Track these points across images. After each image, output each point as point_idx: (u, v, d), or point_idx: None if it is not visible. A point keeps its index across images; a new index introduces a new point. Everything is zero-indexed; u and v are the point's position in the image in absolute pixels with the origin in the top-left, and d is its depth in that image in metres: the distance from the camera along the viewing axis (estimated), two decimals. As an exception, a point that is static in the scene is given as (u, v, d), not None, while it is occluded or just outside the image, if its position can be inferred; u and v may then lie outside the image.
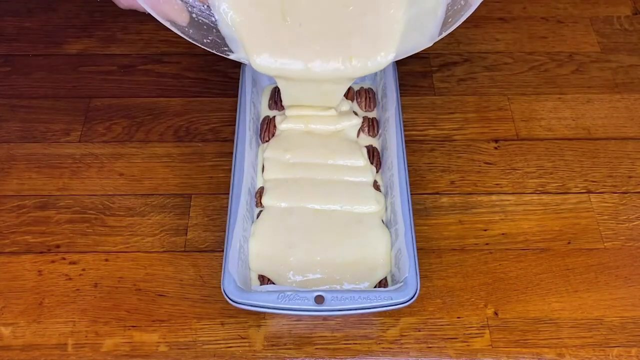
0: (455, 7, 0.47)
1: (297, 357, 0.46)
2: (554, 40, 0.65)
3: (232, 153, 0.51)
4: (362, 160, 0.52)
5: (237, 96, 0.55)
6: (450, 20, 0.47)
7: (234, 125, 0.53)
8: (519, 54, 0.64)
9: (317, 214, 0.50)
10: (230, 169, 0.50)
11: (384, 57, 0.50)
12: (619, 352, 0.46)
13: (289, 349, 0.46)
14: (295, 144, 0.53)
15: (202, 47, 0.49)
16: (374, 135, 0.55)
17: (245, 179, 0.49)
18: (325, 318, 0.47)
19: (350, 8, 0.49)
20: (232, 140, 0.52)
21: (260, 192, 0.51)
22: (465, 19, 0.45)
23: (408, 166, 0.51)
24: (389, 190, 0.51)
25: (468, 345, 0.46)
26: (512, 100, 0.60)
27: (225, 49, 0.50)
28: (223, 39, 0.50)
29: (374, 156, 0.53)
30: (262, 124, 0.55)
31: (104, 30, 0.65)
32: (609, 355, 0.46)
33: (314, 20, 0.50)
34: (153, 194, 0.54)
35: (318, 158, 0.53)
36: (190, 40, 0.47)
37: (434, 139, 0.58)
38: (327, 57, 0.50)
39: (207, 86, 0.61)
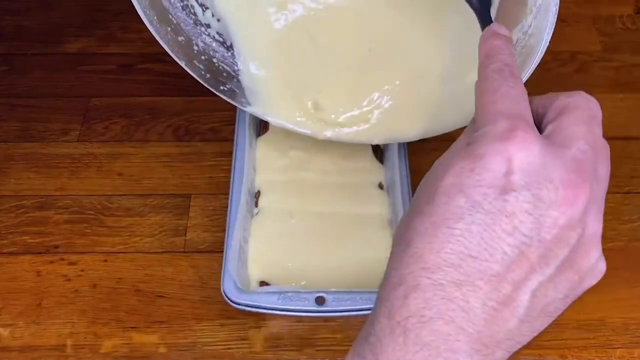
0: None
1: (297, 359, 0.45)
2: (556, 39, 0.64)
3: (232, 153, 0.51)
4: (369, 160, 0.52)
5: (237, 95, 0.55)
6: None
7: (234, 125, 0.53)
8: (520, 53, 0.64)
9: (318, 216, 0.49)
10: (230, 169, 0.50)
11: (406, 133, 0.47)
12: (622, 353, 0.46)
13: (290, 350, 0.46)
14: (292, 141, 0.53)
15: (217, 94, 0.47)
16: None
17: (245, 179, 0.49)
18: (326, 319, 0.47)
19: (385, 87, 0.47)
20: (232, 140, 0.52)
21: (258, 194, 0.51)
22: (524, 80, 0.41)
23: (409, 166, 0.50)
24: (390, 190, 0.50)
25: (470, 347, 0.46)
26: (514, 99, 0.60)
27: (243, 100, 0.48)
28: (242, 89, 0.48)
29: (377, 155, 0.53)
30: (260, 121, 0.55)
31: (103, 29, 0.65)
32: (611, 356, 0.46)
33: (345, 75, 0.47)
34: (152, 194, 0.53)
35: (320, 157, 0.52)
36: (206, 86, 0.46)
37: (435, 139, 0.57)
38: (349, 126, 0.48)
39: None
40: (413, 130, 0.47)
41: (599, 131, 0.28)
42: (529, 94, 0.63)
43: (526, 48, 0.39)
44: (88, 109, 0.59)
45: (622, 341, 0.46)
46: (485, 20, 0.35)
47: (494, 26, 0.33)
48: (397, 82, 0.47)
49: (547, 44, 0.36)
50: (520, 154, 0.26)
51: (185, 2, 0.45)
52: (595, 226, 0.27)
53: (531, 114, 0.28)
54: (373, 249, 0.48)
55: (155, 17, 0.42)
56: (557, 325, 0.47)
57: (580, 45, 0.64)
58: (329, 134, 0.48)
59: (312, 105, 0.48)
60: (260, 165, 0.52)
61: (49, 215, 0.52)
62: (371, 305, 0.42)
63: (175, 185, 0.54)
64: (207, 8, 0.46)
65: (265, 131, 0.54)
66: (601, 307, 0.47)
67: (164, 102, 0.60)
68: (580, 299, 0.48)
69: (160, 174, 0.55)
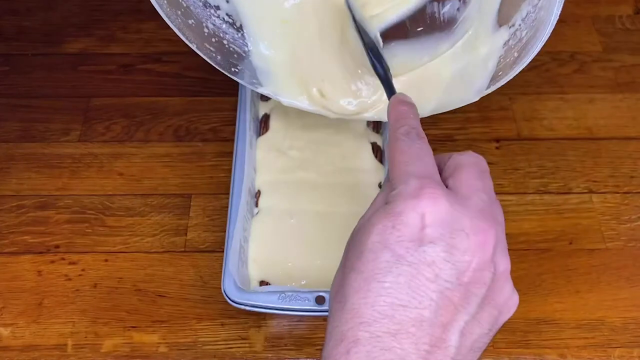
0: (508, 60, 0.43)
1: (297, 358, 0.45)
2: (556, 39, 0.65)
3: (232, 153, 0.51)
4: (369, 160, 0.52)
5: (237, 96, 0.55)
6: (500, 73, 0.43)
7: (234, 125, 0.53)
8: (520, 53, 0.64)
9: (318, 216, 0.49)
10: (230, 169, 0.50)
11: (420, 108, 0.47)
12: (621, 352, 0.46)
13: (290, 349, 0.46)
14: (292, 142, 0.53)
15: (229, 75, 0.47)
16: (377, 131, 0.55)
17: (245, 179, 0.49)
18: (326, 319, 0.46)
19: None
20: (232, 140, 0.52)
21: (258, 194, 0.51)
22: (517, 72, 0.42)
23: (409, 166, 0.50)
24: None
25: (469, 346, 0.46)
26: (514, 99, 0.60)
27: (254, 81, 0.48)
28: (253, 70, 0.48)
29: (377, 155, 0.53)
30: (260, 121, 0.55)
31: (103, 29, 0.65)
32: (610, 356, 0.46)
33: (351, 61, 0.47)
34: (153, 194, 0.53)
35: (320, 158, 0.52)
36: (217, 67, 0.46)
37: (435, 139, 0.57)
38: (360, 97, 0.47)
39: (207, 86, 0.61)
40: (425, 107, 0.46)
41: (490, 183, 0.32)
42: (529, 94, 0.63)
43: (536, 21, 0.40)
44: (89, 109, 0.59)
45: (621, 341, 0.46)
46: (391, 89, 0.39)
47: (399, 95, 0.36)
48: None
49: (558, 16, 0.37)
50: (431, 209, 0.29)
51: None
52: (504, 263, 0.30)
53: (437, 170, 0.31)
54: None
55: (165, 2, 0.43)
56: (556, 324, 0.47)
57: (580, 46, 0.64)
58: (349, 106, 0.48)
59: (317, 92, 0.48)
60: (260, 165, 0.52)
61: (50, 215, 0.52)
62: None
63: (175, 185, 0.54)
64: None
65: (266, 131, 0.54)
66: (600, 307, 0.48)
67: (165, 102, 0.60)
68: (580, 298, 0.49)
69: (161, 173, 0.55)
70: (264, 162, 0.52)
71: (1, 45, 0.64)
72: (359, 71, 0.46)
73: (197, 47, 0.45)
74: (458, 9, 0.44)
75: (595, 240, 0.51)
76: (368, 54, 0.41)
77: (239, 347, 0.46)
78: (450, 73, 0.45)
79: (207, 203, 0.53)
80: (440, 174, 0.32)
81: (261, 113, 0.56)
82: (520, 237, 0.51)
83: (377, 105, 0.47)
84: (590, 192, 0.54)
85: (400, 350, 0.28)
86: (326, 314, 0.43)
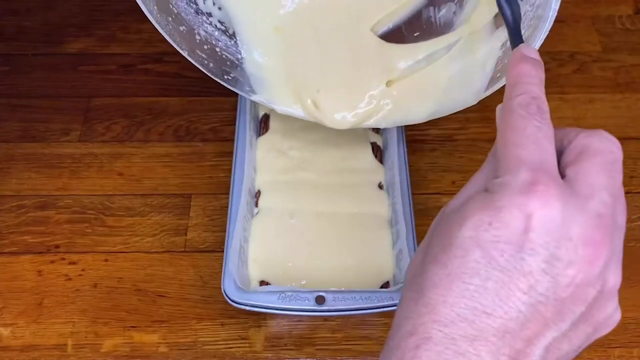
0: (506, 61, 0.42)
1: (297, 358, 0.45)
2: (555, 39, 0.65)
3: (232, 153, 0.51)
4: (369, 160, 0.52)
5: (237, 96, 0.55)
6: (499, 75, 0.42)
7: (234, 125, 0.53)
8: (520, 53, 0.64)
9: (317, 216, 0.49)
10: (231, 169, 0.50)
11: (416, 115, 0.46)
12: (621, 352, 0.46)
13: (290, 349, 0.46)
14: (292, 142, 0.53)
15: (222, 83, 0.47)
16: (378, 131, 0.55)
17: (245, 179, 0.49)
18: (326, 319, 0.47)
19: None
20: (232, 140, 0.52)
21: (258, 194, 0.51)
22: None
23: (409, 166, 0.50)
24: (390, 190, 0.50)
25: (469, 346, 0.46)
26: (514, 99, 0.60)
27: (248, 88, 0.48)
28: (246, 77, 0.48)
29: (377, 155, 0.53)
30: (260, 121, 0.55)
31: (103, 29, 0.65)
32: (610, 356, 0.46)
33: (347, 71, 0.47)
34: (153, 194, 0.53)
35: (320, 158, 0.52)
36: (209, 75, 0.46)
37: (435, 139, 0.57)
38: (357, 103, 0.47)
39: (207, 86, 0.61)
40: (423, 111, 0.46)
41: (620, 178, 0.28)
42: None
43: (534, 20, 0.39)
44: (89, 109, 0.59)
45: (621, 340, 0.46)
46: (516, 39, 0.33)
47: (523, 48, 0.31)
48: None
49: (556, 12, 0.36)
50: (540, 211, 0.25)
51: None
52: (614, 279, 0.27)
53: (555, 159, 0.27)
54: (373, 249, 0.48)
55: (155, 7, 0.42)
56: (556, 324, 0.47)
57: (580, 46, 0.64)
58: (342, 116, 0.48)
59: (311, 103, 0.47)
60: (260, 165, 0.52)
61: (50, 215, 0.52)
62: (371, 305, 0.42)
63: (175, 185, 0.54)
64: None
65: (266, 131, 0.54)
66: (600, 307, 0.48)
67: (165, 102, 0.60)
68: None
69: (161, 173, 0.55)
70: (264, 162, 0.52)
71: (1, 45, 0.64)
72: (365, 80, 0.46)
73: (188, 54, 0.45)
74: (454, 13, 0.44)
75: (595, 240, 0.51)
76: None
77: (239, 347, 0.46)
78: (448, 77, 0.45)
79: (207, 203, 0.53)
80: (560, 156, 0.28)
81: (261, 113, 0.56)
82: (520, 237, 0.51)
83: (373, 114, 0.47)
84: (590, 192, 0.54)
85: (476, 357, 0.25)
86: (326, 314, 0.43)
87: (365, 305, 0.42)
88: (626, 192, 0.54)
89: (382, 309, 0.42)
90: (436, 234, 0.28)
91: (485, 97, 0.60)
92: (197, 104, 0.60)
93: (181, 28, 0.45)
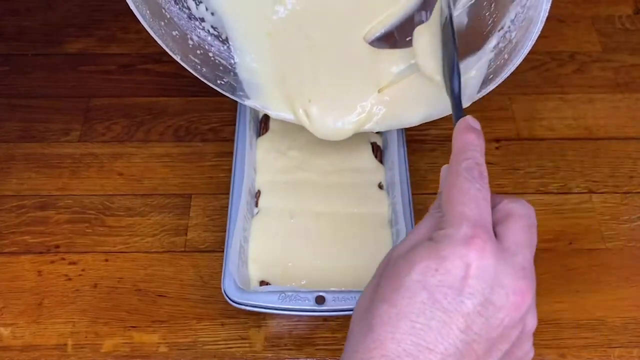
0: (498, 63, 0.42)
1: (297, 358, 0.45)
2: (555, 39, 0.65)
3: (232, 153, 0.51)
4: (369, 160, 0.52)
5: (237, 96, 0.55)
6: (491, 77, 0.42)
7: (234, 125, 0.53)
8: (520, 53, 0.64)
9: (318, 216, 0.49)
10: (231, 169, 0.50)
11: (408, 119, 0.46)
12: (621, 352, 0.46)
13: (290, 349, 0.46)
14: (292, 142, 0.53)
15: (215, 88, 0.47)
16: (377, 132, 0.55)
17: (245, 179, 0.49)
18: (325, 319, 0.47)
19: (380, 65, 0.46)
20: (232, 140, 0.52)
21: (258, 194, 0.51)
22: (508, 74, 0.41)
23: (409, 166, 0.50)
24: (390, 190, 0.50)
25: (469, 346, 0.46)
26: (513, 99, 0.60)
27: (241, 93, 0.48)
28: (240, 82, 0.48)
29: (377, 155, 0.53)
30: (260, 121, 0.55)
31: (103, 29, 0.65)
32: (610, 356, 0.46)
33: (339, 78, 0.47)
34: (153, 194, 0.53)
35: (319, 158, 0.52)
36: (202, 80, 0.46)
37: (435, 139, 0.57)
38: (348, 113, 0.47)
39: (207, 85, 0.60)
40: (415, 116, 0.46)
41: (536, 239, 0.32)
42: (529, 94, 0.63)
43: (525, 21, 0.40)
44: (89, 109, 0.59)
45: (621, 341, 0.46)
46: (459, 110, 0.37)
47: (469, 119, 0.35)
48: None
49: (547, 12, 0.37)
50: (477, 262, 0.29)
51: None
52: (532, 323, 0.31)
53: (491, 216, 0.31)
54: (373, 249, 0.48)
55: (147, 12, 0.42)
56: (556, 324, 0.47)
57: (580, 46, 0.64)
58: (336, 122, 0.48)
59: (303, 113, 0.47)
60: (260, 166, 0.52)
61: (50, 215, 0.52)
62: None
63: (175, 185, 0.54)
64: (200, 2, 0.46)
65: (266, 131, 0.54)
66: (600, 307, 0.48)
67: (165, 102, 0.60)
68: (580, 298, 0.49)
69: (161, 174, 0.55)
70: (264, 162, 0.52)
71: (1, 45, 0.64)
72: (357, 87, 0.46)
73: (181, 59, 0.45)
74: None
75: (595, 240, 0.51)
76: (452, 67, 0.39)
77: (239, 347, 0.46)
78: (439, 81, 0.45)
79: (207, 203, 0.53)
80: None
81: (261, 113, 0.56)
82: (520, 237, 0.51)
83: (365, 122, 0.47)
84: (590, 192, 0.54)
85: None
86: (325, 314, 0.43)
87: (365, 305, 0.42)
88: (626, 192, 0.55)
89: (382, 309, 0.42)
90: (386, 275, 0.31)
91: (485, 98, 0.60)
92: (197, 104, 0.60)
93: (174, 33, 0.44)
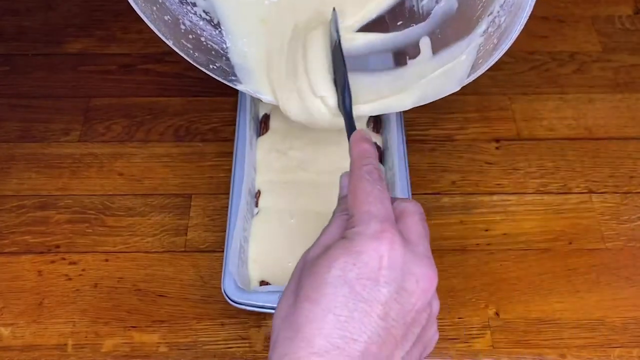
0: (487, 47, 0.43)
1: (297, 358, 0.45)
2: (555, 39, 0.65)
3: (232, 153, 0.51)
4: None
5: (237, 96, 0.55)
6: (480, 61, 0.43)
7: (234, 125, 0.53)
8: (519, 53, 0.64)
9: (318, 216, 0.49)
10: (231, 169, 0.50)
11: (401, 103, 0.46)
12: (621, 352, 0.46)
13: (290, 349, 0.46)
14: (292, 142, 0.53)
15: (208, 72, 0.47)
16: (378, 131, 0.55)
17: (245, 179, 0.49)
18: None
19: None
20: (232, 140, 0.52)
21: (258, 194, 0.51)
22: (497, 59, 0.42)
23: (409, 166, 0.50)
24: (390, 190, 0.50)
25: (469, 346, 0.46)
26: (513, 99, 0.60)
27: (233, 78, 0.48)
28: (232, 67, 0.48)
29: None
30: (260, 121, 0.55)
31: (103, 29, 0.65)
32: (610, 355, 0.46)
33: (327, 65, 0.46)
34: (153, 194, 0.54)
35: (320, 157, 0.52)
36: (195, 64, 0.46)
37: (435, 139, 0.57)
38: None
39: (207, 86, 0.61)
40: (407, 100, 0.46)
41: (429, 230, 0.35)
42: (529, 94, 0.63)
43: (514, 6, 0.41)
44: (89, 109, 0.59)
45: (621, 340, 0.46)
46: (352, 124, 0.40)
47: (361, 131, 0.38)
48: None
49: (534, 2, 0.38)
50: (389, 253, 0.31)
51: None
52: (436, 306, 0.34)
53: (393, 213, 0.34)
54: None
55: None
56: (556, 324, 0.47)
57: (579, 46, 0.64)
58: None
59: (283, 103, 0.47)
60: (260, 165, 0.52)
61: (50, 215, 0.52)
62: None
63: (176, 185, 0.54)
64: None
65: (266, 131, 0.54)
66: (600, 307, 0.48)
67: (165, 102, 0.60)
68: (580, 298, 0.49)
69: (161, 174, 0.55)
70: (264, 162, 0.52)
71: (1, 45, 0.64)
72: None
73: (173, 44, 0.45)
74: (437, 1, 0.44)
75: (595, 240, 0.51)
76: (343, 85, 0.42)
77: (239, 347, 0.46)
78: (432, 68, 0.45)
79: (207, 203, 0.53)
80: None
81: (261, 113, 0.56)
82: (520, 237, 0.51)
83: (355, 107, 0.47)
84: (590, 192, 0.54)
85: None
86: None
87: (365, 305, 0.42)
88: (626, 192, 0.55)
89: (382, 309, 0.42)
90: (304, 276, 0.32)
91: (485, 98, 0.61)
92: (197, 104, 0.60)
93: (166, 17, 0.44)
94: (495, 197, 0.53)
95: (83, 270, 0.49)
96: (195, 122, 0.58)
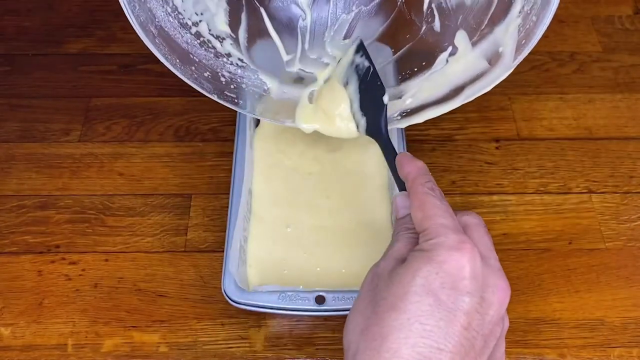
0: (527, 26, 0.42)
1: (297, 358, 0.45)
2: (555, 39, 0.65)
3: (232, 153, 0.51)
4: (371, 161, 0.52)
5: (237, 96, 0.55)
6: (523, 42, 0.42)
7: (234, 125, 0.53)
8: (520, 53, 0.64)
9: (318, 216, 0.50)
10: (231, 169, 0.50)
11: (453, 99, 0.46)
12: (621, 352, 0.46)
13: (290, 349, 0.46)
14: (291, 142, 0.53)
15: (257, 116, 0.48)
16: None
17: (245, 179, 0.49)
18: (326, 318, 0.47)
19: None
20: (232, 140, 0.52)
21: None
22: (540, 36, 0.41)
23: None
24: (390, 190, 0.50)
25: (469, 346, 0.46)
26: (513, 99, 0.60)
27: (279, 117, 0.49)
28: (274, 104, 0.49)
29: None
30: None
31: (104, 29, 0.65)
32: (610, 355, 0.46)
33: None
34: (153, 194, 0.54)
35: (320, 158, 0.52)
36: (243, 112, 0.48)
37: (435, 139, 0.57)
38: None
39: (207, 86, 0.61)
40: (458, 99, 0.46)
41: (492, 242, 0.36)
42: (529, 94, 0.63)
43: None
44: (89, 109, 0.59)
45: (620, 340, 0.46)
46: (391, 146, 0.42)
47: (406, 153, 0.39)
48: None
49: None
50: (470, 263, 0.31)
51: (202, 39, 0.46)
52: (507, 322, 0.34)
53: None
54: (373, 249, 0.48)
55: (177, 61, 0.44)
56: (556, 324, 0.47)
57: (579, 46, 0.64)
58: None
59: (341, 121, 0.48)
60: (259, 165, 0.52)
61: (50, 215, 0.52)
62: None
63: (176, 185, 0.54)
64: (224, 39, 0.48)
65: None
66: (600, 307, 0.48)
67: (165, 102, 0.60)
68: (580, 298, 0.49)
69: (161, 173, 0.55)
70: (255, 164, 0.52)
71: (1, 45, 0.64)
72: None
73: (218, 97, 0.46)
74: None
75: (594, 240, 0.51)
76: (377, 107, 0.43)
77: (238, 346, 0.46)
78: (475, 58, 0.45)
79: (207, 203, 0.53)
80: None
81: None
82: (520, 237, 0.51)
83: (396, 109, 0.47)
84: (590, 192, 0.54)
85: None
86: (325, 313, 0.43)
87: (365, 305, 0.42)
88: (625, 192, 0.55)
89: (382, 309, 0.42)
90: (383, 287, 0.33)
91: (485, 98, 0.60)
92: (197, 104, 0.60)
93: (206, 74, 0.46)
94: (495, 197, 0.53)
95: (83, 270, 0.49)
96: (195, 122, 0.58)
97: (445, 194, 0.53)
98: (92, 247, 0.50)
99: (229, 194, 0.49)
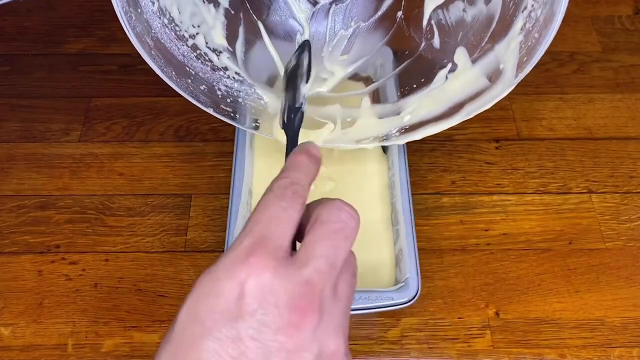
0: (529, 44, 0.42)
1: (297, 358, 0.45)
2: (555, 39, 0.64)
3: (232, 153, 0.51)
4: (371, 160, 0.52)
5: (237, 96, 0.55)
6: (525, 59, 0.42)
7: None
8: (520, 53, 0.64)
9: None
10: (231, 169, 0.50)
11: (453, 117, 0.46)
12: (621, 352, 0.46)
13: (290, 349, 0.46)
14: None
15: (257, 133, 0.48)
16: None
17: (245, 179, 0.49)
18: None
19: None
20: (232, 140, 0.52)
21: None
22: (542, 53, 0.41)
23: (409, 166, 0.50)
24: (390, 190, 0.50)
25: (469, 346, 0.46)
26: (513, 99, 0.60)
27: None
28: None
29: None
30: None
31: (104, 29, 0.65)
32: (610, 355, 0.46)
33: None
34: (153, 194, 0.54)
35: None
36: (240, 127, 0.48)
37: (434, 139, 0.57)
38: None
39: (207, 86, 0.61)
40: (458, 115, 0.46)
41: (345, 245, 0.28)
42: (528, 94, 0.63)
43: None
44: (89, 109, 0.59)
45: (620, 340, 0.46)
46: (294, 143, 0.37)
47: (308, 144, 0.32)
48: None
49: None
50: (250, 280, 0.26)
51: (199, 52, 0.46)
52: (333, 344, 0.27)
53: (286, 237, 0.27)
54: (373, 249, 0.48)
55: (173, 73, 0.44)
56: (556, 324, 0.47)
57: (579, 46, 0.64)
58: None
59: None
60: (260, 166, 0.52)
61: (51, 215, 0.52)
62: (371, 305, 0.42)
63: (176, 185, 0.54)
64: (220, 52, 0.47)
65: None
66: (600, 307, 0.48)
67: (165, 102, 0.60)
68: (580, 298, 0.49)
69: (161, 174, 0.55)
70: (264, 162, 0.52)
71: (1, 45, 0.64)
72: None
73: (214, 111, 0.46)
74: (464, 9, 0.44)
75: (594, 240, 0.51)
76: (291, 105, 0.41)
77: (239, 346, 0.46)
78: (475, 75, 0.45)
79: (207, 203, 0.53)
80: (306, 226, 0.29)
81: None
82: (520, 237, 0.51)
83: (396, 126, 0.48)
84: (590, 192, 0.54)
85: None
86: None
87: (365, 305, 0.42)
88: (625, 192, 0.55)
89: (381, 309, 0.43)
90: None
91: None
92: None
93: (202, 87, 0.46)
94: (495, 197, 0.53)
95: (83, 270, 0.49)
96: (195, 122, 0.58)
97: (445, 194, 0.54)
98: (92, 247, 0.50)
99: (229, 194, 0.49)
